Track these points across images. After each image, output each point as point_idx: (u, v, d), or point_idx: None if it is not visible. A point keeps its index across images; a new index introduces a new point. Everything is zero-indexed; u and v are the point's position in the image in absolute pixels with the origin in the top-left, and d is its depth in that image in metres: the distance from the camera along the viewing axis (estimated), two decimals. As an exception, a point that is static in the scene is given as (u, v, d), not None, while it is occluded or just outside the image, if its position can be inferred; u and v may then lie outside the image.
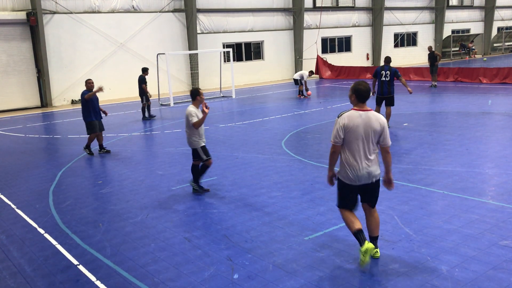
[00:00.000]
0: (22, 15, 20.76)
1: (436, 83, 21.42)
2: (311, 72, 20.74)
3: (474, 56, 39.75)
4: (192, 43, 25.70)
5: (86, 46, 22.74)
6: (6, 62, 20.89)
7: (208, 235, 6.10)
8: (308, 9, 30.56)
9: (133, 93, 20.98)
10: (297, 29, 30.06)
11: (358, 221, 5.08)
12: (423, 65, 29.02)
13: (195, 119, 7.40)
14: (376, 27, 34.69)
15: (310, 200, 7.21)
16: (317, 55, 29.98)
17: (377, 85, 12.37)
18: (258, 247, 5.64)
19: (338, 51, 33.36)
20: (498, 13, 43.50)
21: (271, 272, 5.02)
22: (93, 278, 5.13)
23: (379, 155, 5.09)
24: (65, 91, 22.50)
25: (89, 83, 11.03)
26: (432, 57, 20.97)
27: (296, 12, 29.85)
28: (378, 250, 5.19)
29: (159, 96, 20.75)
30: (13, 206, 7.82)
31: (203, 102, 7.59)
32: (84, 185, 8.84)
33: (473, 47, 40.28)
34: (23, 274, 5.36)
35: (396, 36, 36.67)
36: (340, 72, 28.94)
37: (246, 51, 28.85)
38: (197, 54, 25.56)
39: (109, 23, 23.27)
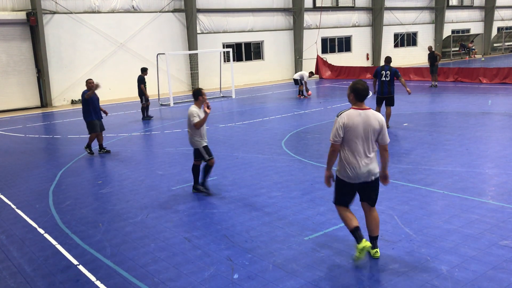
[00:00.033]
0: (22, 15, 20.77)
1: (436, 83, 21.42)
2: (311, 73, 20.74)
3: (474, 56, 39.75)
4: (192, 43, 25.70)
5: (86, 46, 22.74)
6: (6, 62, 20.89)
7: (208, 235, 6.10)
8: (308, 9, 30.57)
9: (133, 93, 20.96)
10: (297, 29, 30.06)
11: (355, 218, 5.13)
12: (423, 65, 29.02)
13: (196, 119, 7.40)
14: (376, 27, 34.69)
15: (310, 200, 7.21)
16: (317, 55, 29.98)
17: (377, 85, 12.38)
18: (258, 247, 5.64)
19: (338, 51, 33.36)
20: (498, 13, 43.51)
21: (271, 272, 5.02)
22: (93, 278, 5.13)
23: (377, 153, 5.11)
24: (65, 91, 22.50)
25: (89, 83, 11.04)
26: (432, 57, 20.97)
27: (296, 12, 29.85)
28: (378, 250, 5.19)
29: (159, 96, 20.76)
30: (13, 206, 7.82)
31: (205, 102, 7.58)
32: (84, 185, 8.84)
33: (473, 47, 40.29)
34: (23, 274, 5.36)
35: (396, 36, 36.68)
36: (340, 72, 28.94)
37: (246, 51, 28.85)
38: (197, 54, 25.56)
39: (109, 23, 23.27)
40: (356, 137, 4.91)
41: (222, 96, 22.45)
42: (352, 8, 33.36)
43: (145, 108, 16.47)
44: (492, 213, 6.28)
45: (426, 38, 38.28)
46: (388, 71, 12.14)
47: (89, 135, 11.28)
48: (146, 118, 16.48)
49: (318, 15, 30.97)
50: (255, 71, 29.04)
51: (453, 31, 40.33)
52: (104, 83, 22.28)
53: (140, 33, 24.33)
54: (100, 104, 11.42)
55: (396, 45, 36.61)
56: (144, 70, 16.26)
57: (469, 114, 13.94)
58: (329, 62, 30.02)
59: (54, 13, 21.72)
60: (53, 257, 5.73)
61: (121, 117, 17.56)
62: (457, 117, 13.52)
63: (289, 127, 13.43)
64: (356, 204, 5.64)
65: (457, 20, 40.98)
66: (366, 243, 4.92)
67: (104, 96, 20.95)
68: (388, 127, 12.20)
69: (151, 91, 19.85)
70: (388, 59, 12.48)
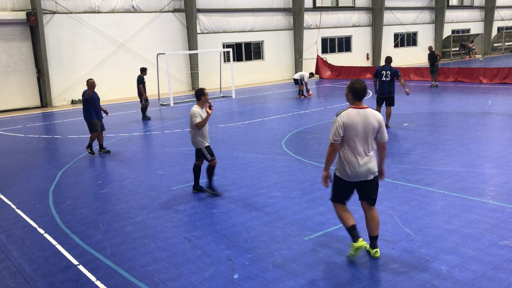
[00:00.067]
0: (22, 15, 20.77)
1: (437, 83, 21.43)
2: (311, 74, 20.74)
3: (474, 56, 39.75)
4: (192, 43, 25.70)
5: (86, 46, 22.74)
6: (6, 62, 20.89)
7: (208, 235, 6.10)
8: (308, 9, 30.57)
9: (133, 93, 20.94)
10: (297, 29, 30.07)
11: (352, 217, 5.17)
12: (423, 65, 29.02)
13: (198, 120, 7.38)
14: (376, 27, 34.69)
15: (310, 200, 7.22)
16: (317, 55, 29.98)
17: (378, 85, 12.38)
18: (258, 247, 5.64)
19: (338, 51, 33.36)
20: (498, 13, 43.51)
21: (271, 272, 5.02)
22: (93, 278, 5.13)
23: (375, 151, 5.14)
24: (65, 91, 22.50)
25: (90, 83, 11.05)
26: (432, 57, 20.97)
27: (296, 12, 29.85)
28: (378, 250, 5.19)
29: (159, 96, 20.76)
30: (13, 206, 7.83)
31: (207, 102, 7.56)
32: (84, 185, 8.84)
33: (473, 47, 40.29)
34: (23, 274, 5.36)
35: (396, 36, 36.68)
36: (340, 72, 28.94)
37: (246, 51, 28.85)
38: (197, 54, 25.56)
39: (109, 23, 23.28)
40: (356, 136, 4.92)
41: (222, 96, 22.45)
42: (352, 8, 33.37)
43: (144, 108, 16.46)
44: (492, 213, 6.28)
45: (426, 38, 38.28)
46: (388, 71, 12.13)
47: (90, 135, 11.29)
48: (145, 118, 16.47)
49: (318, 15, 30.97)
50: (255, 71, 29.04)
51: (453, 31, 40.33)
52: (104, 83, 22.43)
53: (140, 33, 24.33)
54: (101, 104, 11.44)
55: (396, 45, 36.61)
56: (143, 70, 16.24)
57: (469, 114, 13.94)
58: (329, 62, 30.02)
59: (54, 13, 21.72)
60: (53, 257, 5.73)
61: (121, 117, 17.56)
62: (457, 117, 13.52)
63: (289, 127, 13.43)
64: (356, 204, 5.65)
65: (457, 20, 40.98)
66: (362, 242, 4.98)
67: (104, 96, 20.94)
68: (388, 127, 12.21)
69: (151, 91, 19.88)
70: (388, 59, 12.48)
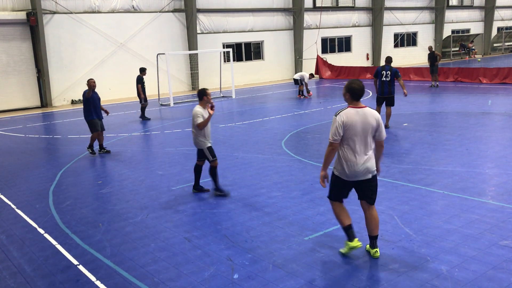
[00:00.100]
0: (22, 15, 20.77)
1: (437, 83, 21.43)
2: (311, 75, 20.75)
3: (474, 56, 39.76)
4: (192, 43, 25.70)
5: (86, 46, 22.74)
6: (6, 62, 20.89)
7: (208, 235, 6.10)
8: (308, 9, 30.57)
9: (133, 93, 20.89)
10: (297, 29, 30.07)
11: (349, 216, 5.21)
12: (423, 65, 29.02)
13: (200, 120, 7.37)
14: (376, 27, 34.69)
15: (310, 200, 7.22)
16: (317, 55, 29.98)
17: (378, 85, 12.38)
18: (258, 247, 5.64)
19: (338, 51, 33.36)
20: (498, 13, 43.51)
21: (271, 272, 5.02)
22: (93, 278, 5.13)
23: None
24: (65, 91, 22.51)
25: (91, 83, 11.05)
26: (432, 57, 20.97)
27: (296, 12, 29.85)
28: (378, 250, 5.20)
29: (159, 96, 20.76)
30: (13, 206, 7.83)
31: (209, 103, 7.54)
32: (84, 185, 8.84)
33: (473, 47, 40.29)
34: (23, 274, 5.36)
35: (396, 36, 36.68)
36: (340, 72, 28.94)
37: (246, 51, 28.85)
38: (197, 54, 25.56)
39: (109, 23, 23.28)
40: (355, 135, 4.94)
41: (222, 96, 22.45)
42: (352, 8, 33.37)
43: (143, 108, 16.45)
44: (492, 213, 6.28)
45: (426, 38, 38.28)
46: (388, 71, 12.13)
47: (90, 136, 11.29)
48: (145, 118, 16.47)
49: (318, 15, 30.97)
50: (255, 71, 29.04)
51: (453, 31, 40.33)
52: (104, 83, 22.43)
53: (140, 33, 24.33)
54: (102, 104, 11.44)
55: (396, 45, 36.61)
56: (142, 70, 16.24)
57: (469, 114, 13.94)
58: (329, 62, 30.03)
59: (54, 13, 21.72)
60: (53, 257, 5.73)
61: (121, 117, 17.56)
62: (457, 117, 13.52)
63: (289, 127, 13.44)
64: (355, 204, 5.65)
65: (457, 20, 40.98)
66: (357, 243, 5.09)
67: (104, 96, 20.87)
68: (388, 127, 12.21)
69: (151, 91, 19.90)
70: (388, 59, 12.48)
